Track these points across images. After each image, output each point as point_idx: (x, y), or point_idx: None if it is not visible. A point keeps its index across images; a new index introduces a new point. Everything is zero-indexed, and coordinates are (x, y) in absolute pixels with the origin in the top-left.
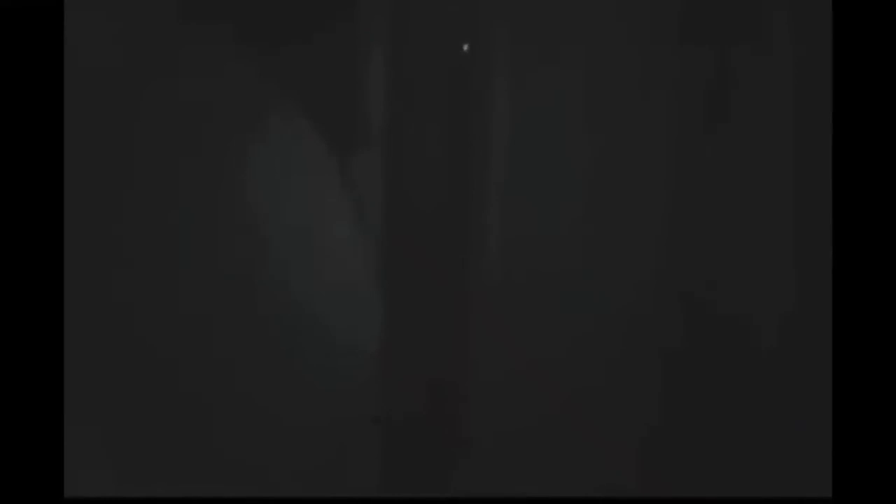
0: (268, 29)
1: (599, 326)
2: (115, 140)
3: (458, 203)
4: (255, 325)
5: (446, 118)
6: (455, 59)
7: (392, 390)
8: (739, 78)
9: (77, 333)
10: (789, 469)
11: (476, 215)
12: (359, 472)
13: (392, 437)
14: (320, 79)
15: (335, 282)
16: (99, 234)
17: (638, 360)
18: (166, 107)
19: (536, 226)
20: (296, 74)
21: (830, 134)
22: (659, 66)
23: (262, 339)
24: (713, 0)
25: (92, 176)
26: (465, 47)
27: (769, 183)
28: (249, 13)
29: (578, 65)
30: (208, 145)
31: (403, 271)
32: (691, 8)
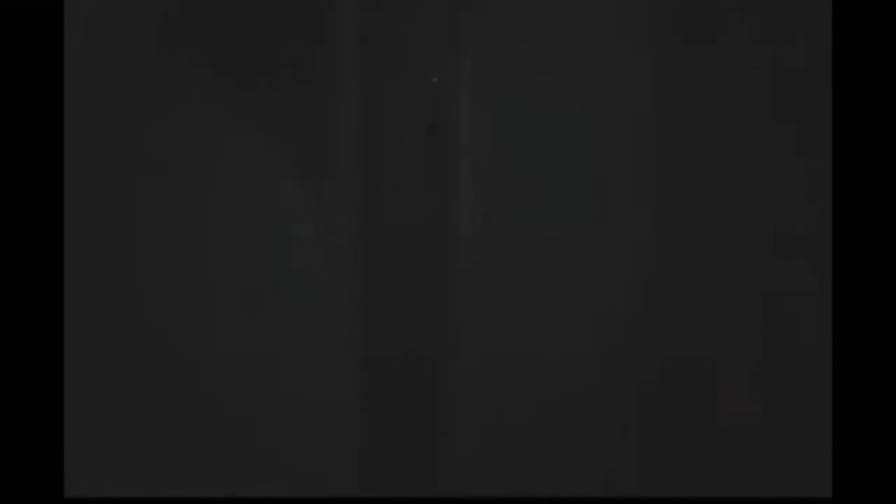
0: (243, 61)
1: (599, 327)
2: (115, 141)
3: (434, 214)
4: (247, 331)
5: (418, 144)
6: (425, 89)
7: (376, 387)
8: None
9: (77, 334)
10: (789, 469)
11: (453, 227)
12: (345, 473)
13: (375, 436)
14: (293, 108)
15: (318, 285)
16: (100, 234)
17: (635, 358)
18: (166, 109)
19: (517, 228)
20: (270, 101)
21: (830, 136)
22: (660, 69)
23: (256, 342)
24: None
25: (92, 175)
26: (435, 80)
27: (769, 183)
28: (228, 46)
29: (558, 79)
30: (205, 149)
31: (381, 273)
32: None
